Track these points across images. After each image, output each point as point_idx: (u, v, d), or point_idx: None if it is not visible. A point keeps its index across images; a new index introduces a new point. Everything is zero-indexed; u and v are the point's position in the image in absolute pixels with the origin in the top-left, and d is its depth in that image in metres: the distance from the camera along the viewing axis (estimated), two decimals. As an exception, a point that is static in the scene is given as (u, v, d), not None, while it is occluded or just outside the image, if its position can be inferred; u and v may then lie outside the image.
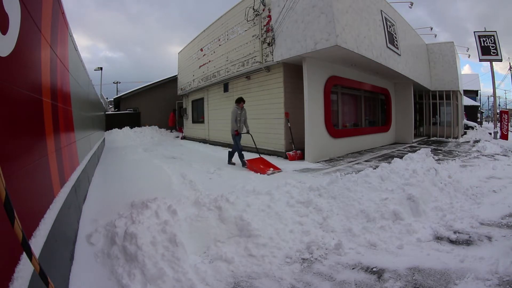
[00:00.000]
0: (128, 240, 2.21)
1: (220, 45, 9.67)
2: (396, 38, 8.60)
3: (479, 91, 26.54)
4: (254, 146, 6.59)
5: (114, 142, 12.14)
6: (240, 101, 6.15)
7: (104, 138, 11.28)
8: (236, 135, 6.07)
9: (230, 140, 9.62)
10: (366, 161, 6.76)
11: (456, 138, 12.46)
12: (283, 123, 7.18)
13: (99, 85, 20.22)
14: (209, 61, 10.56)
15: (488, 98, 34.76)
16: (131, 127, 15.00)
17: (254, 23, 7.70)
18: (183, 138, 14.37)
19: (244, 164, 5.93)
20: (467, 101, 20.22)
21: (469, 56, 14.97)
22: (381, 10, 7.89)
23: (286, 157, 6.99)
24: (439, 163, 4.97)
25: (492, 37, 11.61)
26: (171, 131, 15.87)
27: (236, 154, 6.30)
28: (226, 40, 9.26)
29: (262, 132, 7.99)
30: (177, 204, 2.88)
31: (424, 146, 9.78)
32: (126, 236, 2.25)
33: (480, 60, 12.00)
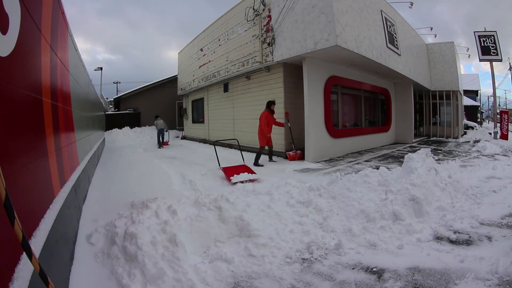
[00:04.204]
0: (128, 240, 2.21)
1: (220, 45, 9.66)
2: (396, 38, 8.59)
3: (479, 91, 26.56)
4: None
5: (114, 142, 12.15)
6: None
7: (104, 138, 11.28)
8: None
9: (229, 140, 9.71)
10: (366, 161, 6.76)
11: (456, 138, 12.45)
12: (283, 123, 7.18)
13: (99, 85, 20.24)
14: (209, 61, 10.56)
15: (488, 98, 34.77)
16: (131, 127, 15.04)
17: (254, 23, 7.69)
18: (183, 138, 14.37)
19: None
20: (467, 101, 20.22)
21: (469, 56, 14.93)
22: (381, 10, 7.88)
23: (286, 157, 6.99)
24: (439, 163, 4.96)
25: (492, 37, 11.59)
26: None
27: None
28: (226, 40, 9.26)
29: (262, 132, 7.97)
30: (177, 204, 2.89)
31: (424, 146, 9.78)
32: (126, 236, 2.25)
33: (480, 60, 11.97)
